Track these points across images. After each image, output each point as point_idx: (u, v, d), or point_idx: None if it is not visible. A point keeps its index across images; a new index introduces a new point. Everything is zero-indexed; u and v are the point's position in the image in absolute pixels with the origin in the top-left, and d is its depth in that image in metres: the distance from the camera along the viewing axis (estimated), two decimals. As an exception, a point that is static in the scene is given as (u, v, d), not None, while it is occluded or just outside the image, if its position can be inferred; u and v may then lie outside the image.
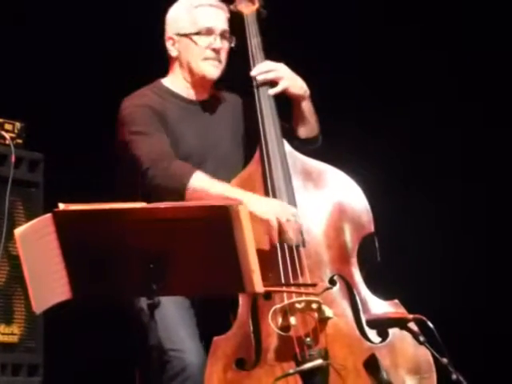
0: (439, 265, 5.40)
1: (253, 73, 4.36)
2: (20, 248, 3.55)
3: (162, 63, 4.63)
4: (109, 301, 3.95)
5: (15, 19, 5.73)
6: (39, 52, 5.65)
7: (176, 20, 4.39)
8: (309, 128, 4.41)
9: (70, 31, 5.72)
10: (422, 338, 3.69)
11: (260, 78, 4.34)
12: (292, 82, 4.35)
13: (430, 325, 3.66)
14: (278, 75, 4.31)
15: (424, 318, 3.69)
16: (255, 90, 4.36)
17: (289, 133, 4.35)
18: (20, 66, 5.54)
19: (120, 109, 4.30)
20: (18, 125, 4.60)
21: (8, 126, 4.54)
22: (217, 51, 4.28)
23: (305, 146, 4.43)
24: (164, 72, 4.54)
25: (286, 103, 4.66)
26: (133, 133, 4.19)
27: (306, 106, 4.37)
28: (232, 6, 4.44)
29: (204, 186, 4.07)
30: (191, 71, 4.35)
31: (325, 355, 3.84)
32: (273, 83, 4.35)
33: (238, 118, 4.49)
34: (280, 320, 3.89)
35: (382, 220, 4.45)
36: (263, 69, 4.34)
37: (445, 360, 3.59)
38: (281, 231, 4.04)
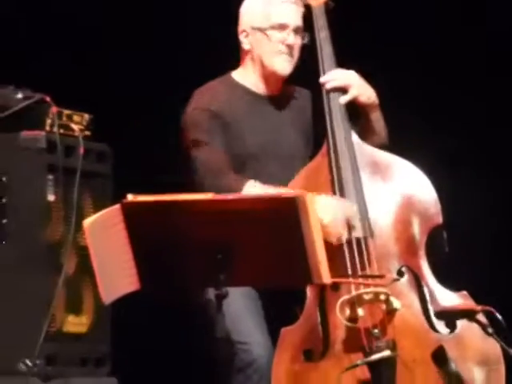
0: (506, 255, 5.30)
1: (322, 80, 4.33)
2: (88, 239, 3.59)
3: (233, 56, 4.59)
4: (176, 292, 3.94)
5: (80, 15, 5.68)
6: (106, 44, 5.64)
7: (251, 13, 4.38)
8: (376, 137, 4.38)
9: (136, 23, 5.68)
10: (490, 330, 3.65)
11: (329, 85, 4.30)
12: (361, 90, 4.33)
13: (499, 316, 3.63)
14: (347, 83, 4.30)
15: (493, 310, 3.66)
16: (324, 94, 4.35)
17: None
18: (88, 58, 5.55)
19: (186, 108, 4.31)
20: (86, 116, 4.63)
21: (77, 118, 4.58)
22: (290, 47, 4.27)
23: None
24: (234, 65, 4.51)
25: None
26: (193, 141, 4.24)
27: (375, 116, 4.35)
28: None
29: (250, 188, 4.10)
30: (263, 65, 4.35)
31: (392, 346, 3.83)
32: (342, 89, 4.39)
33: (307, 115, 4.48)
34: (348, 311, 3.89)
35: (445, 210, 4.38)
36: (333, 77, 4.33)
37: (511, 350, 3.61)
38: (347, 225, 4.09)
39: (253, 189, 4.08)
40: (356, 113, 4.41)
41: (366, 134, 4.34)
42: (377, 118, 4.37)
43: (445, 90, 5.76)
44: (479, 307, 3.69)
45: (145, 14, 5.79)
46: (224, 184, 4.15)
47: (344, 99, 4.32)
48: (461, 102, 5.77)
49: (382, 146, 4.41)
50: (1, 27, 5.51)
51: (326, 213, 3.96)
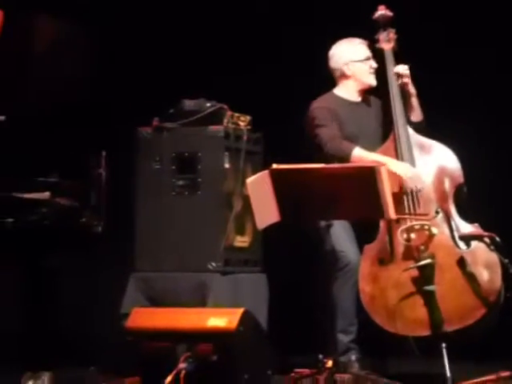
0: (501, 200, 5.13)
1: (394, 70, 4.52)
2: (249, 190, 4.01)
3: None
4: (302, 223, 4.28)
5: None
6: (252, 68, 5.39)
7: (346, 53, 4.63)
8: (417, 114, 4.59)
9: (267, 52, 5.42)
10: (492, 247, 4.12)
11: (395, 79, 4.53)
12: (412, 85, 4.57)
13: (498, 239, 4.09)
14: (406, 80, 4.54)
15: (494, 235, 4.12)
16: (390, 91, 4.55)
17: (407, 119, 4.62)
18: (247, 79, 5.32)
19: (310, 108, 4.62)
20: (247, 117, 4.92)
21: (242, 118, 4.88)
22: (374, 69, 4.59)
23: (417, 127, 4.60)
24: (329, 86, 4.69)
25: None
26: (316, 125, 4.52)
27: (415, 101, 4.55)
28: (377, 45, 4.61)
29: (361, 155, 4.41)
30: (362, 83, 4.64)
31: (432, 257, 4.21)
32: (400, 86, 4.55)
33: (379, 112, 4.71)
34: (405, 235, 4.27)
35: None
36: (401, 71, 4.52)
37: (506, 260, 4.04)
38: (406, 181, 4.38)
39: (358, 151, 4.42)
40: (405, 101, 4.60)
41: (411, 113, 4.56)
42: (416, 102, 4.56)
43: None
44: (486, 233, 4.17)
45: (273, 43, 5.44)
46: (341, 146, 4.46)
47: (404, 80, 4.52)
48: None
49: (422, 122, 4.63)
50: (193, 56, 5.37)
51: (396, 167, 4.31)
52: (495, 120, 5.15)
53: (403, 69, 4.51)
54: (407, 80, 4.49)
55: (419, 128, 4.58)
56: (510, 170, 5.08)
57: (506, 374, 3.92)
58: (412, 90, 4.54)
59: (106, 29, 4.70)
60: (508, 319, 4.14)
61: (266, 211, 3.92)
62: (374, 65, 4.56)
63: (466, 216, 4.42)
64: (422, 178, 4.46)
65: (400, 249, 4.30)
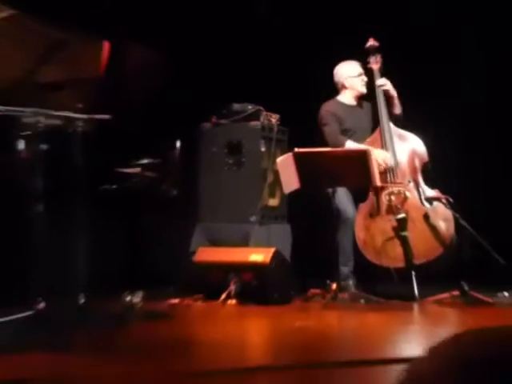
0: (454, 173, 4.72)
1: (378, 83, 4.40)
2: (278, 166, 4.12)
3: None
4: (316, 190, 4.30)
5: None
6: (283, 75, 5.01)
7: (346, 70, 4.57)
8: (397, 109, 4.43)
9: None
10: (448, 206, 4.15)
11: (380, 89, 4.42)
12: (392, 90, 4.42)
13: (451, 200, 4.12)
14: (388, 88, 4.42)
15: (449, 197, 4.14)
16: (377, 98, 4.42)
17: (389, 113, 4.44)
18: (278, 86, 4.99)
19: (320, 110, 4.51)
20: (276, 116, 4.93)
21: (273, 116, 4.90)
22: (365, 82, 4.52)
23: (397, 119, 4.43)
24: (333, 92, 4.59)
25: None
26: (322, 123, 4.46)
27: (396, 100, 4.42)
28: (368, 65, 4.52)
29: (349, 146, 4.33)
30: (357, 91, 4.55)
31: (406, 212, 4.19)
32: (384, 92, 4.42)
33: (369, 113, 4.60)
34: (387, 197, 4.27)
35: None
36: (383, 83, 4.42)
37: (457, 214, 4.06)
38: (385, 162, 4.29)
39: (348, 143, 4.34)
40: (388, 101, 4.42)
41: (392, 109, 4.42)
42: (397, 100, 4.42)
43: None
44: (443, 196, 4.19)
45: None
46: (338, 140, 4.38)
47: (386, 88, 4.37)
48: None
49: (400, 114, 4.43)
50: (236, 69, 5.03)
51: (379, 156, 4.22)
52: (448, 113, 4.84)
53: (384, 81, 4.44)
54: (388, 87, 4.42)
55: (399, 119, 4.46)
56: (461, 151, 4.84)
57: (456, 292, 4.01)
58: (393, 93, 4.42)
59: (177, 53, 4.39)
60: (459, 255, 4.10)
61: (290, 181, 3.98)
62: (365, 79, 4.51)
63: (430, 184, 4.36)
64: (393, 159, 4.33)
65: (384, 207, 4.27)
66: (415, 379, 0.67)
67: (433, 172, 4.41)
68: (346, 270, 4.31)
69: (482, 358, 0.67)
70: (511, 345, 0.66)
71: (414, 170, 4.39)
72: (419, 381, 0.67)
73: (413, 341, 3.28)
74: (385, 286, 4.27)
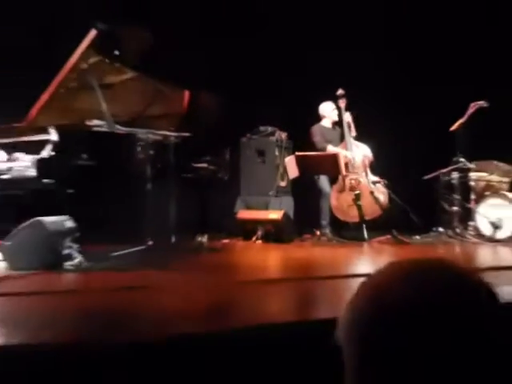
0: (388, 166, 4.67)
1: (344, 116, 4.57)
2: (286, 163, 4.33)
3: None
4: (309, 175, 4.30)
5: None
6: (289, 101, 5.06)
7: (326, 107, 4.86)
8: (353, 132, 4.59)
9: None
10: (384, 186, 4.49)
11: (345, 119, 4.62)
12: (351, 121, 4.57)
13: (387, 182, 4.49)
14: (349, 119, 4.64)
15: (385, 180, 4.45)
16: (343, 124, 4.62)
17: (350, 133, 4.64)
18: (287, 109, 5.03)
19: (311, 129, 4.75)
20: (285, 133, 5.21)
21: (283, 133, 5.16)
22: (337, 114, 4.77)
23: (354, 137, 4.54)
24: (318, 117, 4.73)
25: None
26: (313, 136, 4.74)
27: (353, 127, 4.58)
28: (338, 104, 4.77)
29: (329, 149, 4.61)
30: (332, 120, 4.81)
31: (360, 190, 4.52)
32: (347, 122, 4.61)
33: (339, 131, 4.85)
34: (349, 181, 4.62)
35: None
36: (347, 116, 4.61)
37: (390, 191, 4.39)
38: (347, 159, 4.56)
39: (329, 148, 4.57)
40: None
41: (351, 131, 4.59)
42: (354, 127, 4.52)
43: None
44: (382, 180, 4.53)
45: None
46: (323, 146, 4.59)
47: (348, 119, 4.61)
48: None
49: (355, 136, 4.50)
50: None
51: (346, 154, 4.47)
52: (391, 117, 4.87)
53: (348, 115, 4.70)
54: (349, 119, 4.70)
55: (354, 138, 4.75)
56: (391, 153, 4.87)
57: (389, 236, 4.10)
58: (351, 123, 4.69)
59: (229, 95, 4.09)
60: (390, 215, 4.35)
61: (293, 171, 4.40)
62: (337, 112, 4.80)
63: (374, 173, 4.67)
64: (356, 157, 4.61)
65: (347, 187, 4.64)
66: (374, 285, 0.61)
67: (376, 166, 4.74)
68: (324, 223, 4.71)
69: (426, 267, 0.62)
70: (436, 265, 0.62)
71: (364, 165, 4.76)
72: (377, 286, 0.61)
73: (366, 263, 3.57)
74: (348, 232, 4.59)
